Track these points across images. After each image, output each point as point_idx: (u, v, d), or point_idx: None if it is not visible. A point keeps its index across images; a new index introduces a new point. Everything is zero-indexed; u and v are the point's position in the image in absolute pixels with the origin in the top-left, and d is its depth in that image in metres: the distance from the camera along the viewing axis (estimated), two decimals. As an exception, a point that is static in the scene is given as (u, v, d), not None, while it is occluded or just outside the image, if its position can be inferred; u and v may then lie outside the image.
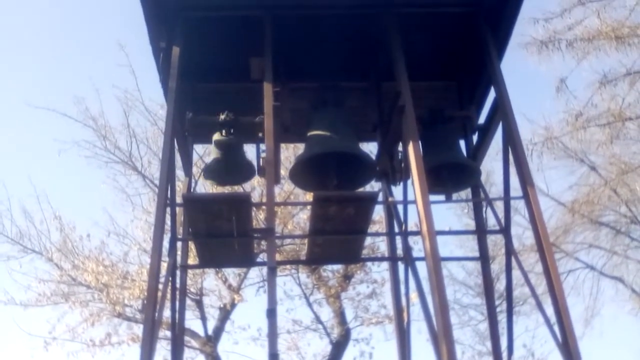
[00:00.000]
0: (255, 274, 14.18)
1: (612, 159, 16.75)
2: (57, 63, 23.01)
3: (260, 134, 5.64)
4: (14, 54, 22.51)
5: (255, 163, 5.94)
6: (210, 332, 14.12)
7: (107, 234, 14.81)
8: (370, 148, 8.70)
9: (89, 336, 14.22)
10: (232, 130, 5.93)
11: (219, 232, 5.59)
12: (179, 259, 6.04)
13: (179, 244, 6.07)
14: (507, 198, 6.18)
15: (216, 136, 6.00)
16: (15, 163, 21.86)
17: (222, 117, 5.90)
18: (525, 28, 14.70)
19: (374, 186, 6.99)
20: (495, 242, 11.60)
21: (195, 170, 7.44)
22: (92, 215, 21.27)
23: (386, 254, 7.69)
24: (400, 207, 6.63)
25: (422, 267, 5.45)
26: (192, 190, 6.78)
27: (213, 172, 6.19)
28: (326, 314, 14.51)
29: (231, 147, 6.02)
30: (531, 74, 21.89)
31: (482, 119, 6.47)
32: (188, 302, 12.01)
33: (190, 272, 11.96)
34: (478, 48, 6.11)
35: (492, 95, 6.16)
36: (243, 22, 6.03)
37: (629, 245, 17.46)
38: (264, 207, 8.46)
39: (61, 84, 22.60)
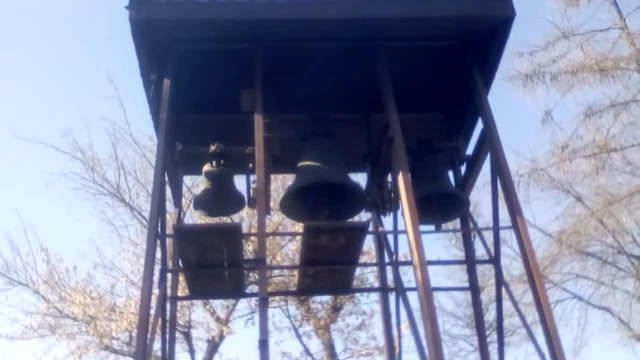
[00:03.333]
0: (244, 305, 14.12)
1: (597, 190, 16.89)
2: (46, 95, 23.05)
3: (250, 165, 5.67)
4: (3, 86, 22.52)
5: (245, 194, 5.96)
6: (198, 365, 13.99)
7: (94, 266, 14.74)
8: (360, 179, 8.75)
9: (76, 369, 14.05)
10: (222, 161, 5.97)
11: (210, 263, 5.56)
12: (168, 290, 6.01)
13: (169, 276, 6.04)
14: (496, 228, 6.22)
15: (206, 167, 6.02)
16: (3, 195, 21.75)
17: (212, 148, 5.93)
18: (510, 62, 14.95)
19: (362, 217, 7.02)
20: (483, 273, 11.62)
21: (184, 201, 7.44)
22: (79, 247, 21.22)
23: (375, 285, 7.69)
24: (390, 238, 6.65)
25: (412, 297, 5.46)
26: (181, 221, 6.77)
27: (203, 202, 6.20)
28: (315, 345, 14.45)
29: (221, 178, 6.04)
30: (516, 107, 22.13)
31: (469, 150, 6.54)
32: (176, 334, 11.89)
33: (178, 304, 11.86)
34: (466, 81, 6.20)
35: (479, 127, 6.24)
36: (234, 55, 6.08)
37: (616, 276, 17.53)
38: (252, 238, 8.43)
39: (50, 116, 22.64)
